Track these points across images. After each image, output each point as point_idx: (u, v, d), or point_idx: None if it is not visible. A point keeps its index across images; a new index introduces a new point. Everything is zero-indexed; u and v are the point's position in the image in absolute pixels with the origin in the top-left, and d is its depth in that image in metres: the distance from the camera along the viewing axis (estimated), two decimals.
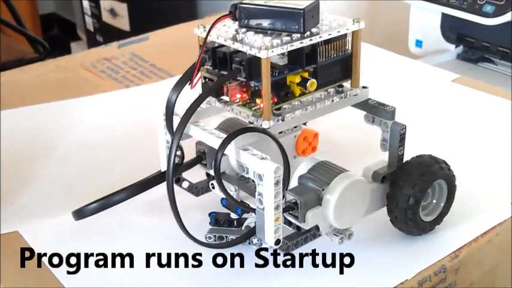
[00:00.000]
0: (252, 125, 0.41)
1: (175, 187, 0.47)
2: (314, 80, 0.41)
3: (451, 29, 1.11)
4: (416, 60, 0.92)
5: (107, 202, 0.43)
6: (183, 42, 0.71)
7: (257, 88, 0.40)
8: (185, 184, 0.48)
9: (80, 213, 0.44)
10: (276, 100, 0.40)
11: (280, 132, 0.50)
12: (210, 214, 0.46)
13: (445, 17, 1.09)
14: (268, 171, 0.38)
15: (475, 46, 1.09)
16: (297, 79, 0.41)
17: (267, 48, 0.38)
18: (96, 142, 0.61)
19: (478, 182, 0.53)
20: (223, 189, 0.40)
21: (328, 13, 0.43)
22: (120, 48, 0.82)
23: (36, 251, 0.46)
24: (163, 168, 0.46)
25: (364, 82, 0.45)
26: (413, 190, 0.43)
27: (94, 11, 1.89)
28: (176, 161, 0.45)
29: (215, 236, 0.45)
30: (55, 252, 0.45)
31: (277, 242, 0.40)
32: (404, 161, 0.45)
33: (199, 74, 0.42)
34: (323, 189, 0.41)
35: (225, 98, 0.41)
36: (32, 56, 1.25)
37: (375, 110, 0.45)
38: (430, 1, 1.07)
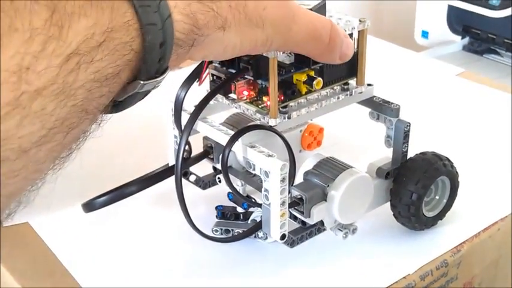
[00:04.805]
0: (258, 123, 0.41)
1: (183, 180, 0.49)
2: (320, 79, 0.41)
3: (457, 21, 1.11)
4: (421, 52, 0.93)
5: (116, 195, 0.44)
6: None
7: (264, 86, 0.41)
8: (192, 178, 0.49)
9: (90, 206, 0.44)
10: (282, 98, 0.41)
11: None
12: (216, 207, 0.47)
13: (451, 8, 1.09)
14: (274, 168, 0.39)
15: (481, 38, 1.09)
16: (303, 77, 0.41)
17: None
18: (104, 133, 0.62)
19: (480, 177, 0.53)
20: (230, 184, 0.41)
21: (335, 12, 0.44)
22: None
23: (47, 242, 0.47)
24: (171, 162, 0.47)
25: (368, 76, 0.45)
26: (416, 186, 0.44)
27: None
28: (184, 156, 0.46)
29: (221, 229, 0.46)
30: (65, 243, 0.47)
31: (283, 236, 0.41)
32: (408, 158, 0.45)
33: (207, 71, 0.42)
34: (328, 185, 0.42)
35: (232, 95, 0.42)
36: None
37: (380, 108, 0.45)
38: None
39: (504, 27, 1.03)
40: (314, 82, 0.41)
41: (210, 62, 0.42)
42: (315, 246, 0.45)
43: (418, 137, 0.49)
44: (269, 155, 0.39)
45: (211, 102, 0.44)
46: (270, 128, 0.41)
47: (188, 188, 0.49)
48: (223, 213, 0.46)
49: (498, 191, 0.52)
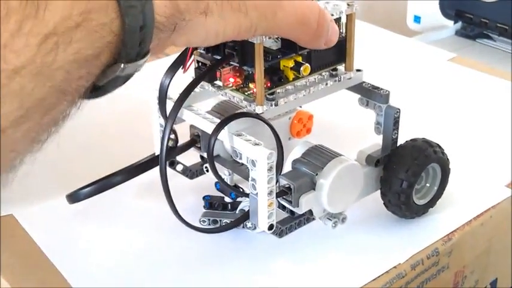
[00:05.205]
0: (245, 110, 0.40)
1: (169, 170, 0.48)
2: (308, 65, 0.40)
3: (450, 5, 1.10)
4: (412, 38, 0.92)
5: (101, 185, 0.43)
6: None
7: (250, 73, 0.40)
8: (179, 167, 0.48)
9: (74, 197, 0.43)
10: (269, 85, 0.40)
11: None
12: (204, 198, 0.46)
13: None
14: (261, 157, 0.38)
15: (473, 22, 1.08)
16: (291, 63, 0.40)
17: None
18: (89, 123, 0.59)
19: (472, 164, 0.53)
20: (216, 174, 0.40)
21: None
22: None
23: (31, 235, 0.46)
24: (157, 151, 0.46)
25: (358, 61, 0.44)
26: (406, 174, 0.43)
27: None
28: (170, 145, 0.45)
29: (209, 219, 0.45)
30: (50, 235, 0.46)
31: (271, 227, 0.40)
32: (398, 145, 0.45)
33: (192, 58, 0.41)
34: (317, 174, 0.41)
35: (218, 82, 0.41)
36: None
37: (369, 94, 0.44)
38: None
39: (497, 11, 1.02)
40: (301, 68, 0.40)
41: (195, 49, 0.41)
42: (304, 236, 0.44)
43: (409, 123, 0.48)
44: (256, 144, 0.38)
45: (197, 89, 0.43)
46: (257, 116, 0.40)
47: (175, 177, 0.48)
48: (210, 203, 0.46)
49: (491, 177, 0.51)
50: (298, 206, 0.41)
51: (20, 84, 0.25)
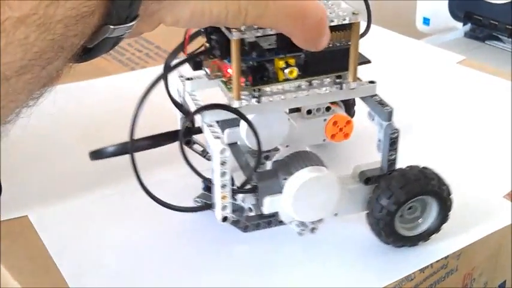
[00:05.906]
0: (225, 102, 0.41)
1: (188, 149, 0.50)
2: (294, 68, 0.39)
3: (459, 7, 1.08)
4: (421, 40, 0.90)
5: (125, 147, 0.45)
6: None
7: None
8: (198, 148, 0.50)
9: (98, 154, 0.47)
10: (252, 82, 0.40)
11: (309, 113, 0.49)
12: (203, 180, 0.47)
13: None
14: (216, 150, 0.38)
15: (483, 24, 1.06)
16: (281, 64, 0.40)
17: (239, 31, 0.37)
18: (101, 125, 0.60)
19: (479, 173, 0.50)
20: (186, 160, 0.41)
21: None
22: None
23: (42, 236, 0.46)
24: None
25: (368, 65, 0.42)
26: (388, 201, 0.40)
27: None
28: (187, 125, 0.48)
29: (202, 200, 0.46)
30: (60, 237, 0.46)
31: (224, 219, 0.40)
32: (398, 168, 0.42)
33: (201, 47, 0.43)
34: (285, 178, 0.40)
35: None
36: None
37: (375, 109, 0.42)
38: None
39: (506, 13, 0.98)
40: (286, 71, 0.39)
41: (198, 34, 0.42)
42: (319, 237, 0.43)
43: (417, 128, 0.45)
44: (217, 137, 0.39)
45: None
46: (234, 110, 0.40)
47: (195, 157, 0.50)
48: (208, 186, 0.47)
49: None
50: (262, 206, 0.40)
51: (25, 34, 0.26)
